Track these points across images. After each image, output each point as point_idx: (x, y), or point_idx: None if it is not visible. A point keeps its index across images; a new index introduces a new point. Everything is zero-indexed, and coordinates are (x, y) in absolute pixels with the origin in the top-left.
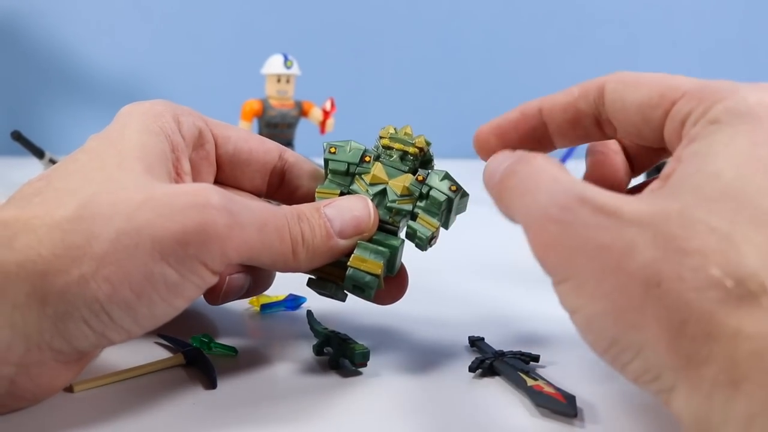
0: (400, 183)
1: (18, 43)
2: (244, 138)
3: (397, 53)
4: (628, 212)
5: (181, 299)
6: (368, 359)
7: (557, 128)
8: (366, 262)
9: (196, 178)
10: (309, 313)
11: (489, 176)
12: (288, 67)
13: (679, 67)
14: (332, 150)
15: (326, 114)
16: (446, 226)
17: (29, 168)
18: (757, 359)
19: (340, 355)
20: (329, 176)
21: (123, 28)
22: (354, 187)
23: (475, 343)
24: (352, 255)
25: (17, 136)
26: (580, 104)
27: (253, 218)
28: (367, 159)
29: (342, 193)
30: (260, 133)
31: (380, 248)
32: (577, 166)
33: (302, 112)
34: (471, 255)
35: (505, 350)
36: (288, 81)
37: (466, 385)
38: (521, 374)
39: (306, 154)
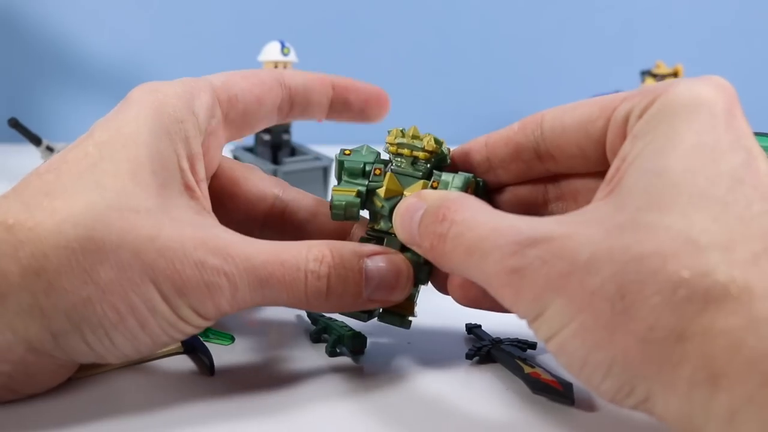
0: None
1: (15, 29)
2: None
3: (395, 41)
4: (579, 234)
5: (180, 335)
6: (365, 346)
7: (500, 162)
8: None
9: (208, 164)
10: None
11: (407, 222)
12: (285, 54)
13: (675, 54)
14: (347, 152)
15: None
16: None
17: (26, 155)
18: (733, 354)
19: (337, 342)
20: (344, 177)
21: (120, 14)
22: (370, 205)
23: (473, 330)
24: None
25: (14, 123)
26: (519, 138)
27: (255, 276)
28: (377, 172)
29: (359, 193)
30: None
31: None
32: None
33: None
34: None
35: (502, 337)
36: (285, 68)
37: (464, 373)
38: (518, 361)
39: (303, 142)
